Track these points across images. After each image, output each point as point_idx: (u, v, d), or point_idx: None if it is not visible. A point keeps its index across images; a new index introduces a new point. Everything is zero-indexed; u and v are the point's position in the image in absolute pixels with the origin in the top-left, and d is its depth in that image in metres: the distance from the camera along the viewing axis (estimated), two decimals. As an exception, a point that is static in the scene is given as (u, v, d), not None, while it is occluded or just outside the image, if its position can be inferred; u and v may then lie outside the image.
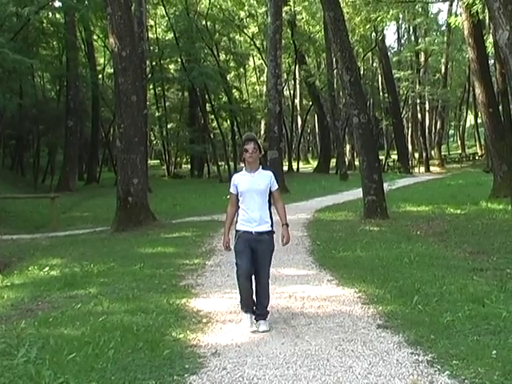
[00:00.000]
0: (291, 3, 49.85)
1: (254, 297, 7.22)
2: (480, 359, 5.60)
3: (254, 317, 7.21)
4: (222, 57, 57.80)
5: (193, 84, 46.69)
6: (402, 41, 72.01)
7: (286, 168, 50.61)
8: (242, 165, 7.42)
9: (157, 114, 56.78)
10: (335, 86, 48.06)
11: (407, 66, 62.88)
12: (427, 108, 66.32)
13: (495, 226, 15.03)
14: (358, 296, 8.53)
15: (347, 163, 52.08)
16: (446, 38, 57.77)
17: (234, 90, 58.58)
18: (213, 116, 55.43)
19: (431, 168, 58.23)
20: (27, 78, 41.82)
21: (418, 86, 55.90)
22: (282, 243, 7.23)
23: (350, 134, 54.61)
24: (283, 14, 38.36)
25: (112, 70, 38.70)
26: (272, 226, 7.21)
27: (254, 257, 7.09)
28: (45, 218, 23.01)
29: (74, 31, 41.47)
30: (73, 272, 11.23)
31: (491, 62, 31.11)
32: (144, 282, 9.98)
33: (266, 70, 48.76)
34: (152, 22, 53.41)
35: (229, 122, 56.06)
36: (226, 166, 49.33)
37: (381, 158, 37.59)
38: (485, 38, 24.65)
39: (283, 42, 42.13)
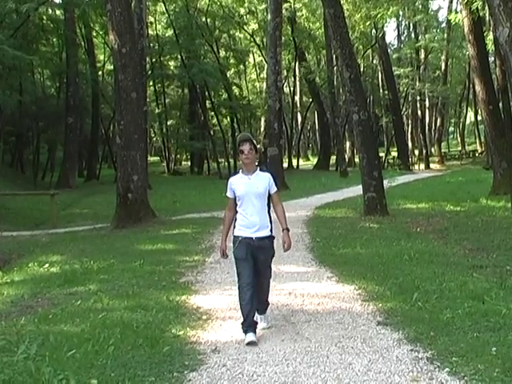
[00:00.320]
0: (291, 0, 49.81)
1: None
2: (480, 356, 5.61)
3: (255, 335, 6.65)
4: (222, 54, 57.73)
5: (193, 81, 46.66)
6: (402, 38, 72.09)
7: (285, 165, 50.58)
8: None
9: (157, 110, 56.73)
10: (335, 82, 48.01)
11: (407, 63, 62.78)
12: (427, 105, 66.27)
13: (495, 223, 15.02)
14: (357, 293, 8.53)
15: (347, 160, 52.06)
16: (446, 35, 57.69)
17: (234, 87, 58.52)
18: (213, 113, 55.40)
19: (431, 165, 58.17)
20: (27, 75, 41.88)
21: (418, 83, 55.84)
22: (283, 249, 6.88)
23: (349, 130, 54.53)
24: (283, 11, 38.31)
25: (112, 67, 38.67)
26: (272, 230, 6.92)
27: (255, 264, 6.77)
28: (44, 214, 23.01)
29: (73, 28, 41.45)
30: (73, 269, 11.23)
31: (491, 59, 31.08)
32: (144, 278, 9.99)
33: (265, 67, 48.69)
34: (152, 19, 53.30)
35: (229, 118, 56.03)
36: (226, 163, 49.31)
37: (381, 155, 37.60)
38: (485, 34, 24.61)
39: (283, 38, 42.12)
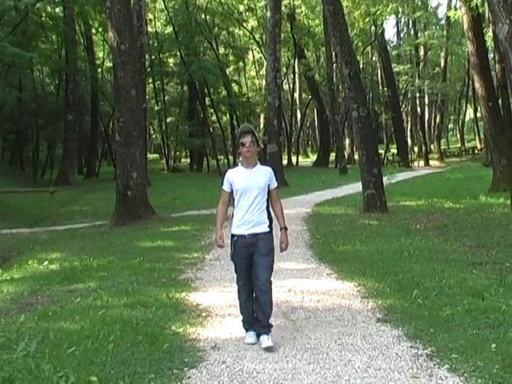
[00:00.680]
0: (290, -3, 49.86)
1: (254, 308, 6.46)
2: (479, 353, 5.62)
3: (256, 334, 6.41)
4: (222, 51, 57.73)
5: (192, 78, 46.61)
6: (402, 35, 72.00)
7: (285, 162, 50.58)
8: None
9: (156, 107, 56.68)
10: (334, 79, 48.00)
11: (407, 60, 62.87)
12: (426, 102, 66.29)
13: (494, 219, 15.04)
14: (357, 290, 8.54)
15: (346, 157, 52.06)
16: (445, 32, 57.70)
17: (234, 84, 58.55)
18: (212, 110, 55.39)
19: (430, 162, 58.21)
20: (26, 72, 41.81)
21: (417, 80, 55.84)
22: (281, 249, 6.56)
23: (349, 127, 54.62)
24: (282, 8, 38.34)
25: (111, 64, 38.52)
26: (270, 226, 6.47)
27: (253, 259, 6.35)
28: (44, 211, 23.01)
29: (73, 25, 41.43)
30: (72, 266, 11.24)
31: (491, 55, 31.10)
32: (143, 275, 9.99)
33: (265, 64, 48.74)
34: (151, 16, 53.30)
35: (228, 115, 56.09)
36: (226, 160, 49.29)
37: (380, 151, 37.55)
38: (484, 31, 24.59)
39: (282, 35, 42.14)
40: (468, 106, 76.33)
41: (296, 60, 58.01)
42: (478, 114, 54.75)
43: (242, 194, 6.42)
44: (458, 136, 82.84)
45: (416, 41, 56.75)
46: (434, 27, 64.08)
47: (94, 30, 49.69)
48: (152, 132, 65.54)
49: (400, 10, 48.05)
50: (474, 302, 7.26)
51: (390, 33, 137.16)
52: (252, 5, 54.50)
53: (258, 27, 56.82)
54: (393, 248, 11.54)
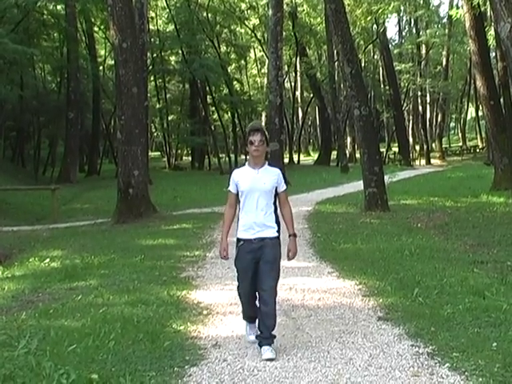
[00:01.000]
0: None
1: (257, 315, 6.15)
2: (480, 351, 5.61)
3: (256, 329, 6.18)
4: (223, 49, 57.68)
5: (194, 76, 46.61)
6: (403, 33, 72.03)
7: (286, 160, 50.48)
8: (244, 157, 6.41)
9: (157, 105, 56.72)
10: (336, 78, 47.98)
11: (408, 59, 62.83)
12: (428, 100, 66.38)
13: (496, 218, 15.04)
14: (358, 288, 8.54)
15: (348, 155, 52.08)
16: (447, 31, 57.72)
17: (235, 82, 58.51)
18: (214, 108, 55.38)
19: (432, 160, 58.19)
20: (28, 70, 41.82)
21: (419, 79, 55.86)
22: (288, 258, 6.12)
23: (350, 126, 54.52)
24: (284, 6, 38.21)
25: (113, 62, 38.66)
26: (278, 231, 6.12)
27: (258, 265, 6.00)
28: (45, 209, 23.01)
29: (74, 23, 41.34)
30: (73, 264, 11.24)
31: (492, 54, 31.07)
32: (144, 273, 9.99)
33: (266, 62, 48.73)
34: (153, 14, 53.23)
35: (230, 114, 55.96)
36: (227, 158, 49.28)
37: (382, 150, 37.58)
38: (486, 30, 24.59)
39: (284, 34, 41.99)
40: (469, 104, 76.34)
41: (298, 58, 57.94)
42: (480, 113, 54.69)
43: (248, 196, 6.05)
44: (460, 135, 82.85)
45: (418, 39, 56.71)
46: (435, 26, 64.06)
47: (95, 28, 49.64)
48: (153, 130, 65.57)
49: (402, 8, 48.13)
50: (475, 300, 7.26)
51: (391, 31, 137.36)
52: (254, 3, 54.52)
53: (260, 25, 56.81)
54: (394, 246, 11.54)
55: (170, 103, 58.59)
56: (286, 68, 57.57)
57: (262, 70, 68.10)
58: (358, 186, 21.30)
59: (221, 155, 51.54)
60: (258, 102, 60.92)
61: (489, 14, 28.94)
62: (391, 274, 9.04)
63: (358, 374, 5.35)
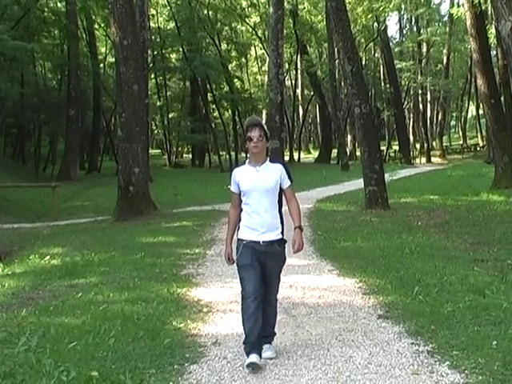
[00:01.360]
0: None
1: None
2: (480, 350, 5.61)
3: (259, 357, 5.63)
4: (224, 46, 57.63)
5: (194, 74, 46.62)
6: (404, 31, 72.02)
7: (287, 158, 50.57)
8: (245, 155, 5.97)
9: (158, 103, 56.74)
10: (337, 76, 47.96)
11: (409, 57, 62.72)
12: (429, 99, 66.27)
13: (496, 217, 15.01)
14: (358, 286, 8.54)
15: (348, 153, 52.07)
16: (448, 29, 57.64)
17: (236, 80, 58.48)
18: (214, 106, 55.38)
19: (432, 159, 58.15)
20: (28, 67, 41.80)
21: (419, 77, 55.77)
22: (293, 250, 5.80)
23: (351, 124, 54.58)
24: (285, 4, 38.20)
25: (113, 60, 38.71)
26: (283, 232, 5.83)
27: (262, 272, 5.71)
28: (46, 206, 23.03)
29: (75, 20, 41.32)
30: (73, 261, 11.25)
31: (493, 52, 31.06)
32: (145, 271, 10.00)
33: (267, 60, 48.70)
34: (154, 11, 53.25)
35: (230, 111, 55.98)
36: (227, 156, 49.29)
37: (382, 148, 37.61)
38: (487, 28, 24.56)
39: (285, 31, 42.00)
40: (470, 103, 76.34)
41: (298, 56, 57.95)
42: (480, 111, 54.73)
43: (250, 196, 5.73)
44: (460, 133, 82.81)
45: (419, 37, 56.65)
46: (436, 24, 64.16)
47: (96, 25, 49.68)
48: (154, 127, 65.58)
49: (403, 6, 48.10)
50: (475, 299, 7.25)
51: (392, 29, 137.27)
52: (254, 0, 54.46)
53: (261, 23, 56.82)
54: (394, 245, 11.54)
55: (171, 101, 58.57)
56: (286, 66, 57.56)
57: (263, 68, 68.09)
58: (359, 184, 21.28)
59: (221, 153, 51.56)
60: (259, 99, 60.87)
61: (490, 12, 28.89)
62: (391, 272, 9.04)
63: (358, 371, 5.36)
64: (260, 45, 61.36)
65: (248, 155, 5.98)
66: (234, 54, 59.61)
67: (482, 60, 22.48)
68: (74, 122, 41.72)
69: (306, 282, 8.89)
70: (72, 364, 5.46)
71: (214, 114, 60.21)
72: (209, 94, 53.71)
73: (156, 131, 68.85)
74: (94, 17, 45.16)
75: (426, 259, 9.93)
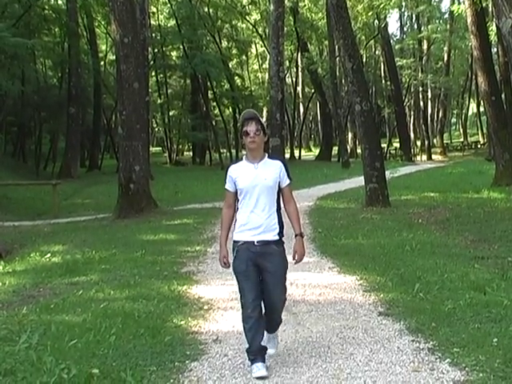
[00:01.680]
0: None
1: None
2: (481, 347, 5.61)
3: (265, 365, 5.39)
4: (224, 44, 57.68)
5: (195, 71, 46.61)
6: (405, 28, 72.01)
7: (287, 156, 50.57)
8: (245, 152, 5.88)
9: (159, 101, 56.69)
10: (337, 73, 47.86)
11: (410, 54, 62.74)
12: (429, 96, 66.21)
13: (497, 214, 15.01)
14: (359, 283, 8.54)
15: (349, 151, 51.98)
16: (448, 26, 57.60)
17: (236, 78, 58.51)
18: (215, 103, 55.41)
19: (433, 156, 58.10)
20: (29, 65, 41.79)
21: (420, 74, 55.76)
22: (294, 260, 5.48)
23: (352, 121, 54.59)
24: (285, 1, 38.20)
25: (114, 57, 38.61)
26: (281, 233, 5.46)
27: (262, 277, 5.38)
28: (46, 204, 23.04)
29: (75, 18, 41.31)
30: (74, 259, 11.26)
31: (494, 50, 31.03)
32: (145, 268, 10.00)
33: (268, 58, 48.70)
34: (154, 9, 53.22)
35: (231, 109, 56.01)
36: (228, 154, 49.30)
37: (383, 145, 37.49)
38: (488, 25, 24.53)
39: (285, 29, 41.99)
40: (471, 100, 76.24)
41: (299, 53, 57.90)
42: (481, 109, 54.65)
43: (247, 194, 5.37)
44: (461, 130, 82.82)
45: (419, 35, 56.64)
46: (437, 21, 64.06)
47: (96, 23, 49.69)
48: (155, 125, 65.53)
49: (403, 3, 47.98)
50: (475, 296, 7.26)
51: (393, 27, 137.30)
52: (255, -2, 54.49)
53: (261, 20, 56.80)
54: (395, 242, 11.54)
55: (171, 98, 58.53)
56: (287, 63, 57.48)
57: (264, 66, 68.09)
58: (359, 181, 21.28)
59: (222, 150, 51.55)
60: (260, 97, 60.94)
61: (490, 9, 28.86)
62: (392, 269, 9.04)
63: (359, 369, 5.36)
64: (260, 42, 61.33)
65: (245, 152, 5.63)
66: (234, 51, 59.63)
67: (482, 57, 22.47)
68: (75, 119, 41.72)
69: (307, 279, 8.88)
70: (73, 361, 5.46)
71: (215, 112, 60.21)
72: (209, 92, 53.74)
73: (156, 129, 68.79)
74: (94, 14, 45.16)
75: (427, 256, 9.93)
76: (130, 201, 18.21)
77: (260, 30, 58.46)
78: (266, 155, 5.51)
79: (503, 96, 23.32)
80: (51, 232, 15.89)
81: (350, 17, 19.40)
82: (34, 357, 5.58)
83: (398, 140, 59.29)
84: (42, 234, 15.56)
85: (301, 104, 71.87)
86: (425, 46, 61.12)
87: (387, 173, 18.91)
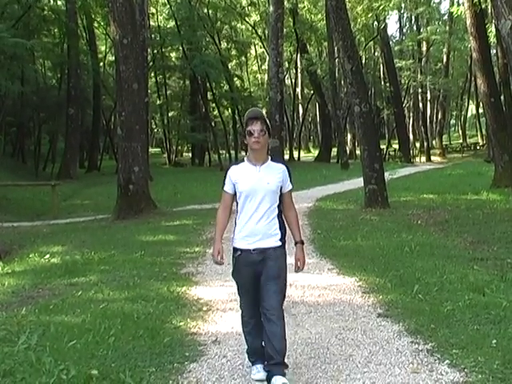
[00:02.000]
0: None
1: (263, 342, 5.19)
2: (480, 348, 5.61)
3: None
4: (224, 45, 57.69)
5: (194, 72, 46.66)
6: (404, 30, 72.07)
7: (286, 157, 50.55)
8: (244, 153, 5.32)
9: (158, 102, 56.72)
10: (337, 74, 47.89)
11: (409, 56, 62.71)
12: (429, 97, 66.23)
13: (496, 215, 15.00)
14: (358, 285, 8.54)
15: (348, 152, 52.08)
16: (448, 28, 57.57)
17: (236, 79, 58.48)
18: (214, 104, 55.41)
19: (432, 157, 58.11)
20: (28, 65, 41.78)
21: (419, 76, 55.78)
22: (296, 269, 5.27)
23: (351, 123, 54.58)
24: (285, 2, 38.23)
25: (113, 58, 38.64)
26: (282, 239, 5.19)
27: (259, 283, 5.10)
28: (46, 205, 23.04)
29: (75, 18, 41.30)
30: (73, 259, 11.26)
31: (493, 51, 31.04)
32: (144, 269, 10.00)
33: (267, 59, 48.66)
34: (153, 10, 53.27)
35: (230, 110, 56.05)
36: (227, 155, 49.30)
37: (382, 147, 37.59)
38: (487, 27, 24.54)
39: (285, 30, 42.01)
40: (470, 101, 76.37)
41: (298, 55, 57.94)
42: (480, 110, 54.75)
43: (248, 198, 5.10)
44: (460, 132, 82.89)
45: (418, 36, 56.62)
46: (436, 23, 64.03)
47: (96, 24, 49.68)
48: (154, 126, 65.57)
49: (403, 5, 47.97)
50: (474, 297, 7.26)
51: (392, 28, 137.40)
52: (254, -1, 54.52)
53: (261, 22, 56.86)
54: (394, 243, 11.53)
55: (171, 99, 58.59)
56: (286, 65, 57.56)
57: (263, 67, 68.10)
58: (358, 182, 21.27)
59: (221, 152, 51.54)
60: (259, 98, 60.95)
61: (490, 11, 28.87)
62: (391, 270, 9.04)
63: (358, 370, 5.36)
64: (260, 43, 61.35)
65: (247, 153, 5.36)
66: (233, 52, 59.68)
67: (481, 59, 22.47)
68: (74, 120, 41.73)
69: (306, 280, 8.87)
70: (72, 362, 5.46)
71: (214, 113, 60.23)
72: (209, 93, 53.77)
73: (156, 130, 68.86)
74: (93, 15, 45.13)
75: (426, 258, 9.93)
76: (129, 202, 18.21)
77: (259, 31, 58.49)
78: (270, 158, 5.28)
79: (502, 98, 23.31)
80: (50, 233, 15.89)
81: (349, 18, 19.40)
82: (33, 358, 5.58)
83: (397, 141, 59.27)
84: (41, 234, 15.57)
85: (300, 105, 71.90)
86: (424, 48, 61.14)
87: (386, 174, 18.89)
